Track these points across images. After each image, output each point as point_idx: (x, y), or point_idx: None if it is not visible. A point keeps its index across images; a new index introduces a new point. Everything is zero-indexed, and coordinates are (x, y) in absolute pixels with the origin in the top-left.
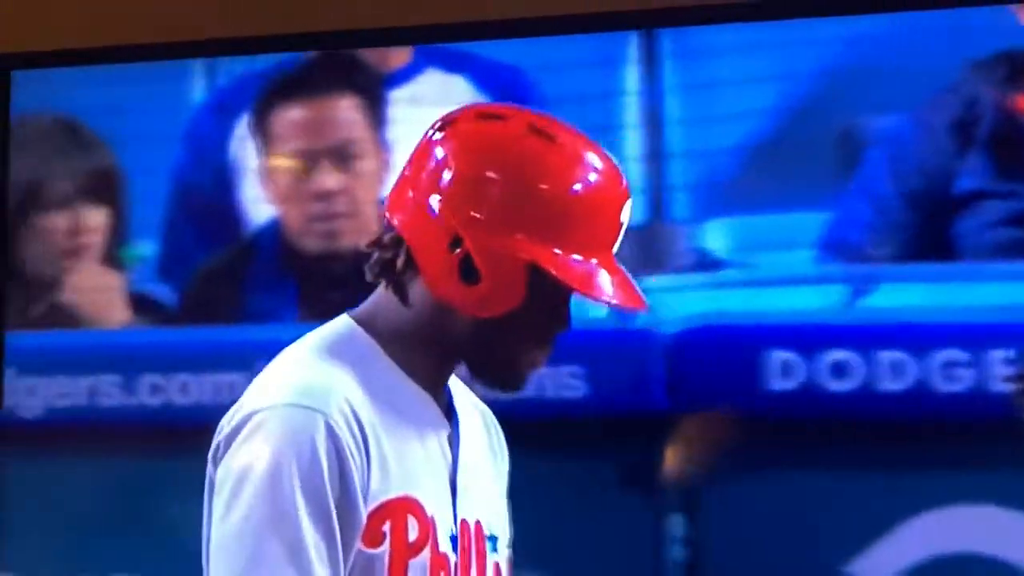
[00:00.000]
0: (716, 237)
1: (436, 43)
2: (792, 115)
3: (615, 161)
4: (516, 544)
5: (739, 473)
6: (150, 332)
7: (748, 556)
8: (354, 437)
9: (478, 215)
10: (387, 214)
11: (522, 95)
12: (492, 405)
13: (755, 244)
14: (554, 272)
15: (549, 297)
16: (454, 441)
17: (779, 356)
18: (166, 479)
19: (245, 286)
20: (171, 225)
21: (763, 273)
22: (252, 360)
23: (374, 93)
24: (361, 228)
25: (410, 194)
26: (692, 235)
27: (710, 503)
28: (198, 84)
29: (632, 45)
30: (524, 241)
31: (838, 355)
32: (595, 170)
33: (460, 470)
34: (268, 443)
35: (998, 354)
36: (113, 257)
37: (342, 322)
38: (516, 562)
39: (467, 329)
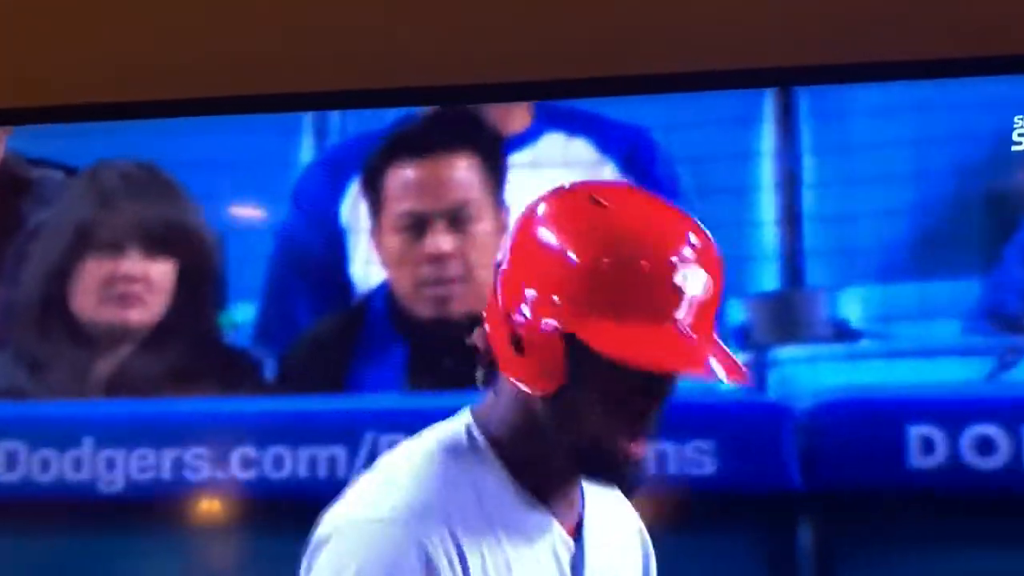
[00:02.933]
0: (852, 306)
1: (561, 99)
2: (937, 177)
3: (691, 226)
4: None
5: (882, 552)
6: (244, 401)
7: None
8: (448, 557)
9: (518, 285)
10: None
11: (646, 156)
12: None
13: (896, 314)
14: (586, 339)
15: (608, 369)
16: (579, 563)
17: (919, 431)
18: (255, 556)
19: (351, 352)
20: (273, 287)
21: (904, 344)
22: (356, 432)
23: (493, 154)
24: (475, 293)
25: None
26: (828, 303)
27: None
28: (307, 142)
29: (768, 104)
30: (561, 309)
31: (983, 430)
32: (644, 233)
33: None
34: (357, 562)
35: None
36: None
37: (460, 424)
38: None
39: (545, 413)
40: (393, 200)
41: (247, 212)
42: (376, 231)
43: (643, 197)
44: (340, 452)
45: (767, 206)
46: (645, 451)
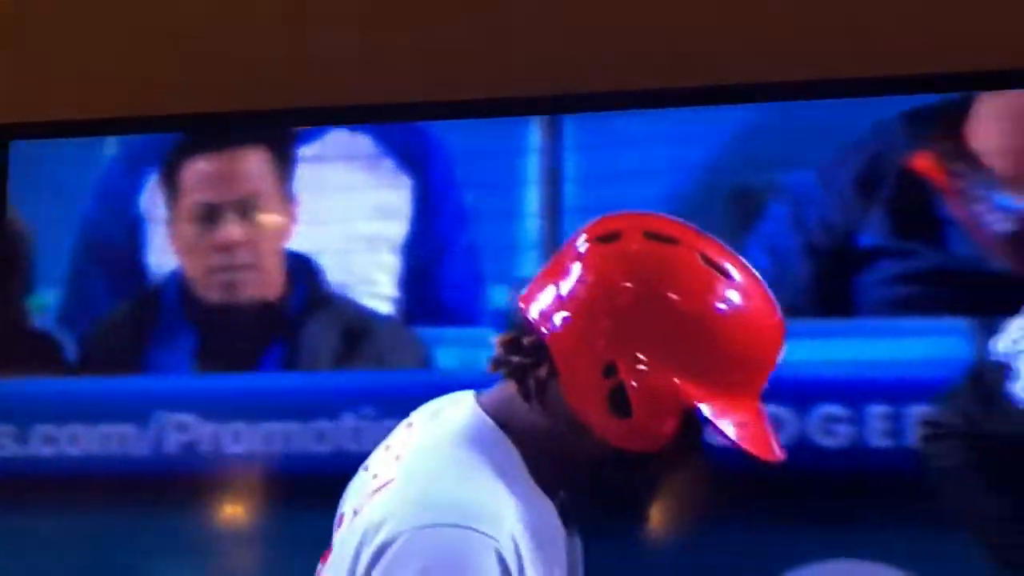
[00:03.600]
0: None
1: (342, 125)
2: (689, 172)
3: (773, 300)
4: None
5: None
6: (44, 382)
7: None
8: (515, 562)
9: (640, 348)
10: (525, 309)
11: (424, 153)
12: None
13: None
14: (716, 422)
15: (691, 437)
16: (576, 552)
17: None
18: (57, 531)
19: (146, 336)
20: (76, 274)
21: None
22: (147, 411)
23: (282, 148)
24: (262, 280)
25: (560, 301)
26: None
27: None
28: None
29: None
30: (685, 383)
31: None
32: (761, 313)
33: None
34: (439, 568)
35: (879, 409)
36: None
37: (479, 419)
38: None
39: (599, 454)
40: (188, 191)
41: (57, 202)
42: (172, 221)
43: (741, 263)
44: (130, 430)
45: (532, 199)
46: None
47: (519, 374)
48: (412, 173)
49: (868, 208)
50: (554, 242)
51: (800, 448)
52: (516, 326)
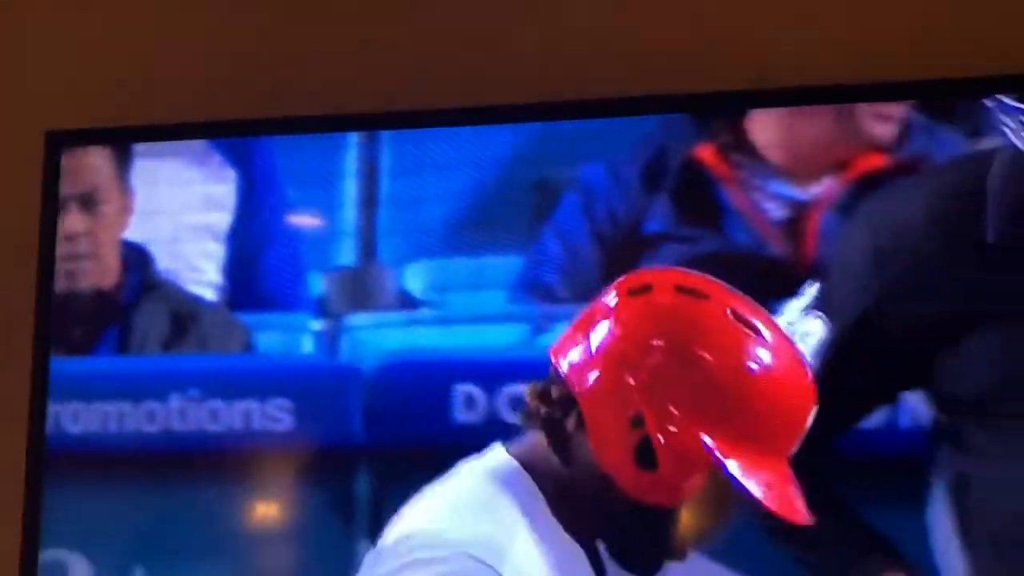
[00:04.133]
0: (415, 278)
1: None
2: (490, 165)
3: (803, 358)
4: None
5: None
6: None
7: None
8: None
9: (669, 402)
10: (555, 361)
11: (249, 144)
12: None
13: (451, 285)
14: (741, 480)
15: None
16: None
17: (464, 389)
18: None
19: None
20: None
21: (457, 312)
22: None
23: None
24: (101, 268)
25: (590, 354)
26: (395, 276)
27: None
28: None
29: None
30: (712, 439)
31: (517, 388)
32: (791, 372)
33: None
34: None
35: None
36: None
37: (506, 462)
38: None
39: (624, 507)
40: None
41: None
42: None
43: (770, 320)
44: None
45: (349, 190)
46: None
47: (548, 425)
48: (240, 170)
49: (653, 196)
50: (368, 231)
51: None
52: (547, 377)
